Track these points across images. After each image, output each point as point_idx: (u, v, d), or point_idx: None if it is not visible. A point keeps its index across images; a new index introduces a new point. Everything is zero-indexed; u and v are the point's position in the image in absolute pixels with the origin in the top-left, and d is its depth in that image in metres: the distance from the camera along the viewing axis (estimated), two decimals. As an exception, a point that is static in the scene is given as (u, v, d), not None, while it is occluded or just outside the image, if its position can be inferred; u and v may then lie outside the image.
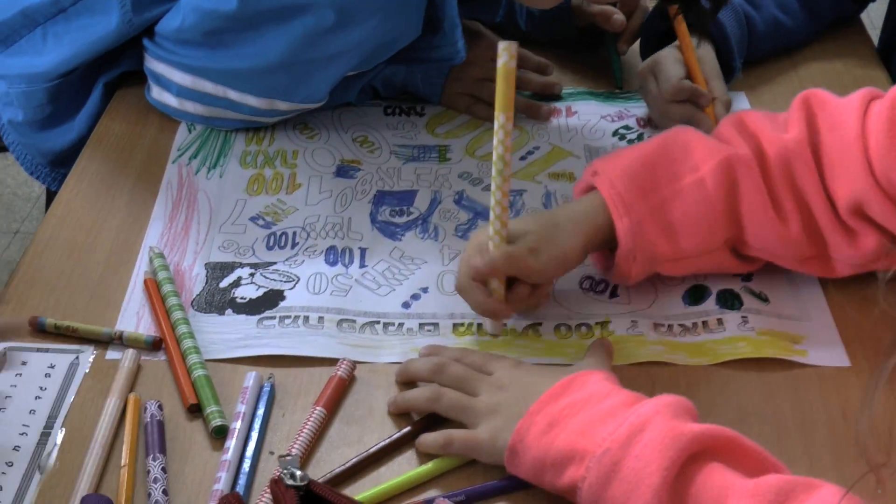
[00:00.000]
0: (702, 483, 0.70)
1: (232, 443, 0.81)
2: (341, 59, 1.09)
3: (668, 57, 1.14)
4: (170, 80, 1.14)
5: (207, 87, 1.12)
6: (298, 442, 0.81)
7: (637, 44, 1.27)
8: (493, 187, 0.87)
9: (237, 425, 0.82)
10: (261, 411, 0.84)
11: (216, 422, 0.83)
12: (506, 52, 0.83)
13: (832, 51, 1.31)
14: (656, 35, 1.21)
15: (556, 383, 0.79)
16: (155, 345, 0.90)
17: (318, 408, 0.84)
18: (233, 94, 1.11)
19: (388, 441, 0.82)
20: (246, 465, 0.80)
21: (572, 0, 1.25)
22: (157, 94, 1.17)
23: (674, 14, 1.13)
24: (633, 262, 0.92)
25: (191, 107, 1.15)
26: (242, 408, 0.84)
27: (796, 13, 1.27)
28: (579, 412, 0.76)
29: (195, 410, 0.84)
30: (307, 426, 0.82)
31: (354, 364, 0.88)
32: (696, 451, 0.72)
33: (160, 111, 1.18)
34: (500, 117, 0.85)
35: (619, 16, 1.22)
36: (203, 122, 1.17)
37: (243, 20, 1.06)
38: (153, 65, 1.15)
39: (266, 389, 0.86)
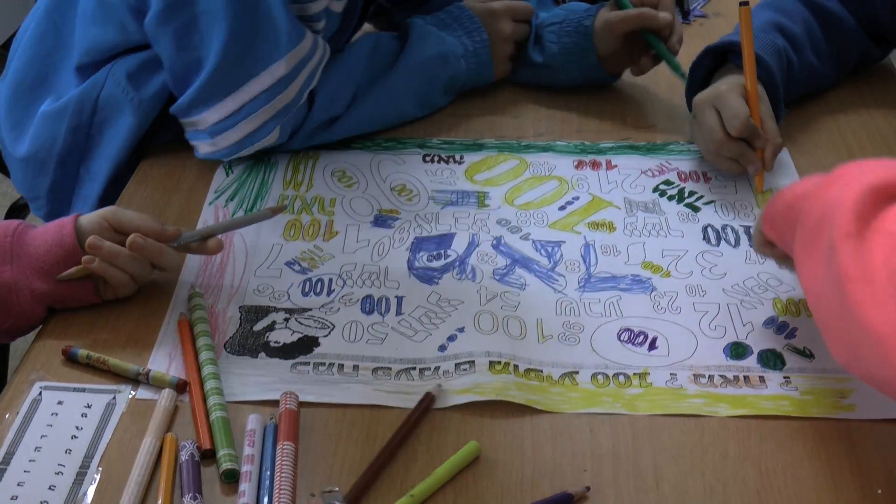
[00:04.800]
0: None
1: (246, 486, 0.80)
2: None
3: (734, 92, 1.13)
4: (201, 130, 1.15)
5: (230, 103, 1.12)
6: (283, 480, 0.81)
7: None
8: None
9: (248, 468, 0.82)
10: (269, 451, 0.84)
11: (226, 465, 0.82)
12: None
13: (871, 103, 1.31)
14: (705, 73, 1.22)
15: None
16: (179, 386, 0.90)
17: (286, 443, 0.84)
18: (257, 83, 1.12)
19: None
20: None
21: (595, 22, 1.27)
22: (204, 150, 1.17)
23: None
24: None
25: (229, 135, 1.14)
26: (250, 450, 0.83)
27: (826, 58, 1.28)
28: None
29: (210, 456, 0.84)
30: (284, 464, 0.82)
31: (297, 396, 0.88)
32: None
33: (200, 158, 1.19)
34: None
35: (666, 14, 1.24)
36: (251, 143, 1.15)
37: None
38: (187, 134, 1.17)
39: (269, 430, 0.86)
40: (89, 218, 0.98)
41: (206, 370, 0.90)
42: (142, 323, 0.98)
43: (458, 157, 1.22)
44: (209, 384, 0.89)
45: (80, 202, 1.20)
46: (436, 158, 1.22)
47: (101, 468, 0.83)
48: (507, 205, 1.14)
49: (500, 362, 0.92)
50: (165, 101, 1.17)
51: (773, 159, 1.14)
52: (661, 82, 1.34)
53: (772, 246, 0.94)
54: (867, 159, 0.83)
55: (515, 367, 0.92)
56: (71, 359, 0.93)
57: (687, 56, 1.26)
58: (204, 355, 0.92)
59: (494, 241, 1.08)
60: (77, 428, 0.87)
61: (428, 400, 0.88)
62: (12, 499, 0.80)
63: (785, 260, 0.95)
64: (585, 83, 1.32)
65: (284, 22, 1.10)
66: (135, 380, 0.91)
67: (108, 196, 1.18)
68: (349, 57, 1.22)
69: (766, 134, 1.13)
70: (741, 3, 1.15)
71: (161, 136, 1.21)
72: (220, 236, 1.01)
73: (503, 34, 1.29)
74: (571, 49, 1.29)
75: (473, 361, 0.92)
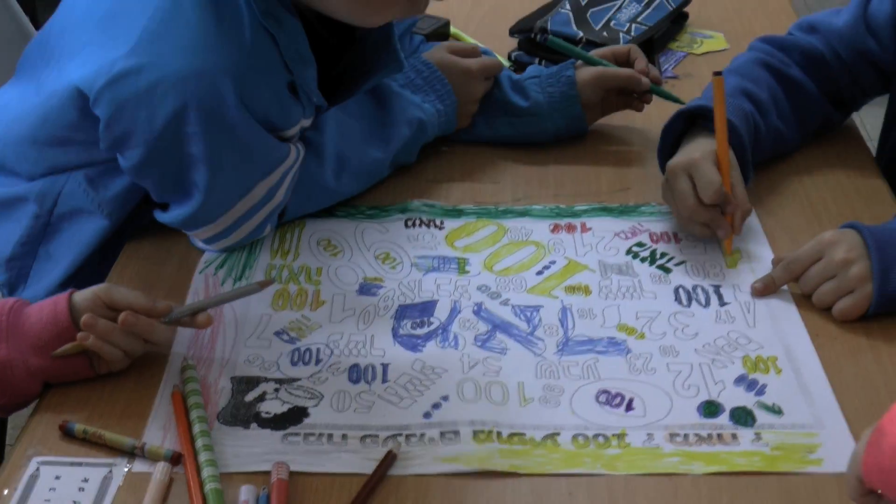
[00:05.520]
0: None
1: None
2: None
3: (707, 160, 1.18)
4: (194, 238, 1.19)
5: (220, 223, 1.15)
6: None
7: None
8: None
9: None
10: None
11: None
12: None
13: (836, 164, 1.36)
14: (675, 136, 1.27)
15: None
16: (174, 459, 0.93)
17: None
18: (246, 201, 1.15)
19: None
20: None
21: (579, 74, 1.35)
22: (199, 246, 1.20)
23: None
24: None
25: (223, 242, 1.18)
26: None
27: (791, 122, 1.34)
28: None
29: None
30: None
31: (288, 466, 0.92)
32: None
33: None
34: None
35: (646, 80, 1.36)
36: (245, 242, 1.19)
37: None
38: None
39: (262, 501, 0.89)
40: (83, 295, 1.01)
41: (200, 442, 0.94)
42: (135, 395, 1.01)
43: (438, 223, 1.26)
44: (203, 456, 0.92)
45: (36, 279, 1.21)
46: (417, 222, 1.26)
47: (98, 543, 0.86)
48: (487, 271, 1.18)
49: (483, 431, 0.96)
50: (137, 200, 1.18)
51: (742, 224, 1.19)
52: (635, 144, 1.39)
53: (877, 497, 0.81)
54: None
55: (499, 433, 0.96)
56: (68, 433, 0.96)
57: (659, 116, 1.32)
58: (197, 427, 0.95)
59: (475, 307, 1.12)
60: (74, 503, 0.90)
61: (390, 458, 0.92)
62: (14, 575, 0.83)
63: None
64: (568, 132, 1.38)
65: (267, 147, 1.13)
66: (130, 453, 0.94)
67: (73, 280, 1.20)
68: (316, 149, 1.22)
69: (736, 200, 1.18)
70: (715, 73, 1.20)
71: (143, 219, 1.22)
72: (209, 310, 1.05)
73: (475, 96, 1.35)
74: (557, 97, 1.36)
75: (458, 431, 0.96)
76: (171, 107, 1.06)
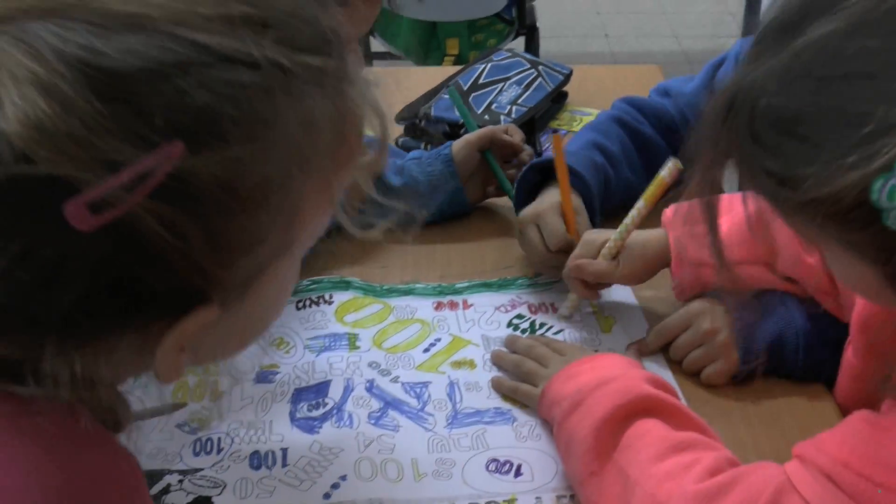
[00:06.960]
0: (637, 426, 0.97)
1: None
2: None
3: (552, 210, 1.29)
4: None
5: None
6: None
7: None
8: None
9: None
10: None
11: None
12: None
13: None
14: (529, 187, 1.36)
15: (592, 354, 1.11)
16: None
17: None
18: None
19: None
20: None
21: (453, 147, 1.42)
22: None
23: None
24: (682, 266, 1.19)
25: None
26: None
27: (641, 174, 1.43)
28: (592, 372, 1.04)
29: None
30: None
31: None
32: (643, 406, 0.98)
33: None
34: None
35: (506, 138, 1.45)
36: None
37: None
38: None
39: None
40: None
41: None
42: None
43: (327, 297, 1.31)
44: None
45: None
46: (307, 302, 1.30)
47: None
48: (376, 348, 1.24)
49: (380, 508, 1.01)
50: None
51: None
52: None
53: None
54: (602, 357, 1.10)
55: (395, 507, 1.01)
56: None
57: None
58: (102, 524, 0.98)
59: (367, 384, 1.18)
60: None
61: None
62: None
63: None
64: (451, 209, 1.44)
65: None
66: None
67: None
68: None
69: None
70: (553, 131, 1.30)
71: None
72: None
73: (361, 196, 1.40)
74: (437, 175, 1.42)
75: None
76: None
